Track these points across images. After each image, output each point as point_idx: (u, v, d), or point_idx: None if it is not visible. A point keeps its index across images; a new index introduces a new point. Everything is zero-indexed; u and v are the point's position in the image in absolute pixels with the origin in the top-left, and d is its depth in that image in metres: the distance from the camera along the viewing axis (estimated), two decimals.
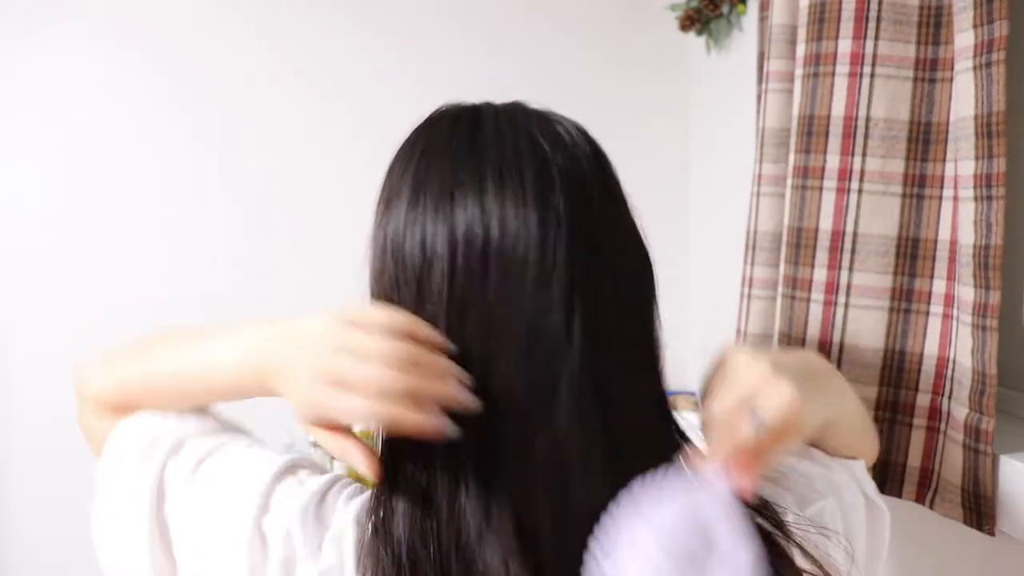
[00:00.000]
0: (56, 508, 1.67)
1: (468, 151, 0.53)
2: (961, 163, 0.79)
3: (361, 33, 1.73)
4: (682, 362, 1.87)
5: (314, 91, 1.72)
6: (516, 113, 0.56)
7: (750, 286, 1.08)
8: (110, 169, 1.68)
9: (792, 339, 0.96)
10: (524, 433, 0.50)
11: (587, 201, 0.52)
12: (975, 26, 0.76)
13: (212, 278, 1.73)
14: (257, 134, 1.72)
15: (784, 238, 0.99)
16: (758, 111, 1.16)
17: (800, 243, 0.95)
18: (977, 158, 0.76)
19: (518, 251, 0.50)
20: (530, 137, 0.53)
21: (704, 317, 1.78)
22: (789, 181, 0.98)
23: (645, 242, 0.56)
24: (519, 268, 0.50)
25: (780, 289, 0.99)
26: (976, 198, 0.76)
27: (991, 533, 0.77)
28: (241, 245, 1.74)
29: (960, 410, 0.79)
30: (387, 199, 0.55)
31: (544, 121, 0.55)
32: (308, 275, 1.68)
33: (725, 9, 1.54)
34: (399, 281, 0.53)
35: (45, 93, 1.64)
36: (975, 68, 0.76)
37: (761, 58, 1.20)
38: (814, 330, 0.93)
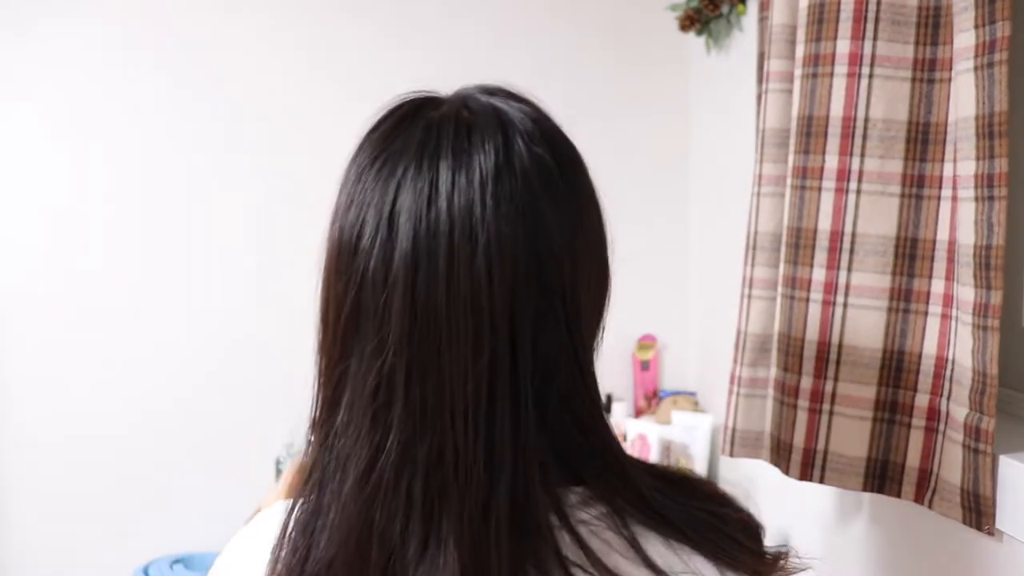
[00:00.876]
0: (54, 519, 1.67)
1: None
2: (961, 163, 0.79)
3: (364, 25, 1.73)
4: (682, 362, 1.87)
5: (323, 87, 1.72)
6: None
7: (750, 286, 1.08)
8: (110, 175, 1.69)
9: (792, 339, 0.96)
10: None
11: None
12: (976, 26, 0.76)
13: (215, 282, 1.73)
14: (263, 131, 1.72)
15: (783, 238, 0.99)
16: (758, 111, 1.16)
17: (799, 243, 0.95)
18: (978, 158, 0.76)
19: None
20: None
21: (704, 317, 1.78)
22: (788, 181, 0.98)
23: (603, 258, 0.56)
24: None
25: (780, 289, 1.00)
26: (977, 198, 0.76)
27: (991, 533, 0.77)
28: (246, 248, 1.74)
29: (959, 410, 0.79)
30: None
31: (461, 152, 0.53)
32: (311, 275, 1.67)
33: (725, 9, 1.54)
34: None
35: (47, 90, 1.64)
36: (976, 68, 0.76)
37: (761, 58, 1.20)
38: (813, 330, 0.94)
